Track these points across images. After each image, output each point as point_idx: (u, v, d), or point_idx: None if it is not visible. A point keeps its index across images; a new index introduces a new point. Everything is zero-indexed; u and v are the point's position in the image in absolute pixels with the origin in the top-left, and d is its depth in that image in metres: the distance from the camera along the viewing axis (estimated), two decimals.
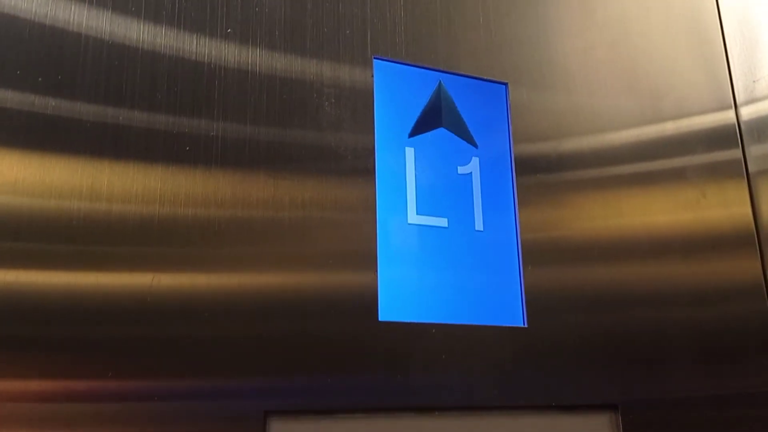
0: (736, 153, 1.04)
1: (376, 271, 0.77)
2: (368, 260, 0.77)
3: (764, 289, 0.99)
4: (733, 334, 0.95)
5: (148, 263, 0.68)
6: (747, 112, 1.07)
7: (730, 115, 1.06)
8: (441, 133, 0.86)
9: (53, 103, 0.69)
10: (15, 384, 0.62)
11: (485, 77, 0.91)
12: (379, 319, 0.76)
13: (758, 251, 1.00)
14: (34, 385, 0.62)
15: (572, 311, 0.86)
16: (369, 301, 0.76)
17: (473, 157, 0.87)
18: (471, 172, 0.87)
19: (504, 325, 0.82)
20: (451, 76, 0.89)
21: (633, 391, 0.87)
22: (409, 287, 0.80)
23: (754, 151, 1.05)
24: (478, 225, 0.85)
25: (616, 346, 0.88)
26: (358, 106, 0.82)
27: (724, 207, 1.01)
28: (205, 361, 0.68)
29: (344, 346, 0.74)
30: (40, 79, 0.69)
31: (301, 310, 0.73)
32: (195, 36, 0.76)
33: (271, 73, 0.78)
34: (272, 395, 0.69)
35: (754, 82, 1.07)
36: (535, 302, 0.84)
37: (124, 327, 0.66)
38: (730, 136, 1.05)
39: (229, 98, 0.76)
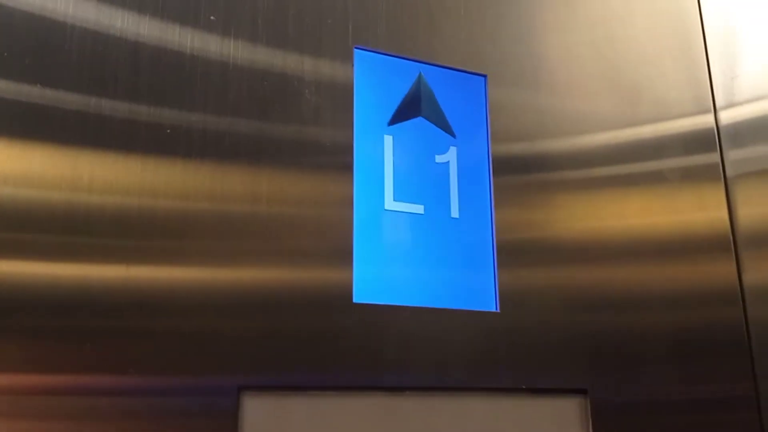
0: (714, 157, 1.06)
1: (352, 254, 0.80)
2: (344, 243, 0.80)
3: (739, 292, 1.00)
4: (706, 334, 0.97)
5: (126, 254, 0.70)
6: (726, 116, 1.08)
7: (709, 119, 1.08)
8: (420, 122, 0.89)
9: (35, 92, 0.70)
10: None
11: (465, 69, 0.93)
12: (354, 300, 0.78)
13: (734, 255, 1.02)
14: (13, 378, 0.64)
15: (544, 298, 0.89)
16: (344, 283, 0.79)
17: (451, 147, 0.90)
18: (448, 161, 0.89)
19: (477, 309, 0.85)
20: (431, 67, 0.91)
21: (602, 377, 0.89)
22: (384, 271, 0.82)
23: (732, 155, 1.06)
24: (454, 212, 0.88)
25: (587, 332, 0.90)
26: (338, 95, 0.84)
27: (701, 210, 1.03)
28: (179, 338, 0.70)
29: (318, 326, 0.76)
30: (22, 67, 0.70)
31: (276, 289, 0.75)
32: (177, 26, 0.78)
33: (251, 64, 0.80)
34: (246, 371, 0.71)
35: (732, 79, 1.09)
36: (508, 288, 0.87)
37: (98, 317, 0.67)
38: (709, 140, 1.06)
39: (211, 89, 0.77)
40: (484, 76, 0.94)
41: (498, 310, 0.86)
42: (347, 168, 0.82)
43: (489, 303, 0.86)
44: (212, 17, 0.80)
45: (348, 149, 0.83)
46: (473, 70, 0.93)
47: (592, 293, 0.92)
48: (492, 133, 0.92)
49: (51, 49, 0.72)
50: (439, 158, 0.89)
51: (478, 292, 0.86)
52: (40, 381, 0.64)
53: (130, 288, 0.69)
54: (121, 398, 0.67)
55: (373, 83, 0.87)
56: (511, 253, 0.89)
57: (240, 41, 0.80)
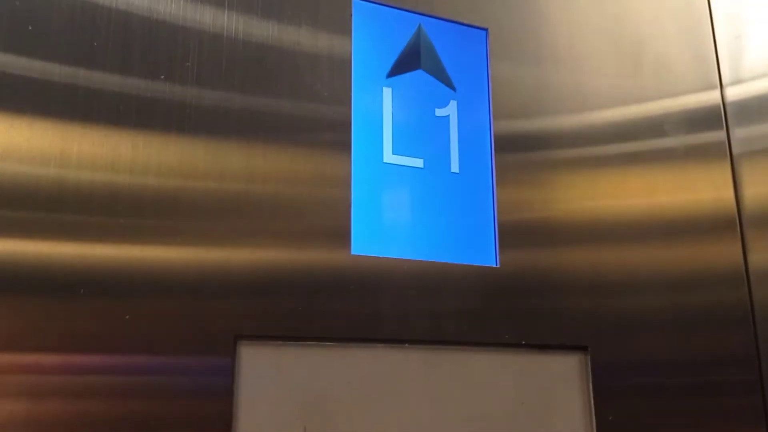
0: (720, 134, 1.04)
1: (350, 206, 0.78)
2: (343, 196, 0.78)
3: (744, 271, 0.99)
4: (711, 312, 0.96)
5: (118, 233, 0.68)
6: (732, 93, 1.05)
7: (715, 95, 1.05)
8: (419, 74, 0.87)
9: (22, 63, 0.68)
10: None
11: (465, 22, 0.91)
12: (352, 252, 0.77)
13: (740, 234, 1.00)
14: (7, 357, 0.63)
15: (544, 254, 0.88)
16: (342, 235, 0.77)
17: (451, 101, 0.88)
18: (448, 115, 0.87)
19: (476, 264, 0.83)
20: (431, 19, 0.89)
21: (603, 334, 0.88)
22: (382, 224, 0.81)
23: (738, 132, 1.04)
24: (454, 167, 0.86)
25: (587, 289, 0.89)
26: (336, 47, 0.83)
27: (706, 189, 1.01)
28: (176, 284, 0.69)
29: (316, 276, 0.75)
30: (8, 38, 0.68)
31: (275, 240, 0.74)
32: None
33: (246, 23, 0.78)
34: (243, 319, 0.70)
35: (736, 38, 1.07)
36: (507, 243, 0.86)
37: (90, 297, 0.66)
38: (715, 117, 1.04)
39: (204, 51, 0.75)
40: (485, 29, 0.92)
41: (498, 265, 0.85)
42: (346, 119, 0.81)
43: (489, 258, 0.85)
44: None
45: (346, 101, 0.81)
46: (474, 24, 0.91)
47: (591, 266, 0.90)
48: (492, 97, 0.90)
49: (38, 20, 0.69)
50: (439, 111, 0.87)
51: (477, 246, 0.85)
52: (29, 360, 0.63)
53: (121, 265, 0.67)
54: (118, 353, 0.65)
55: (372, 35, 0.85)
56: (512, 228, 0.87)
57: (234, 1, 0.78)
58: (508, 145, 0.89)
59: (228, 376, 0.69)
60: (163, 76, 0.73)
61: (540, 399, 0.84)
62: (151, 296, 0.68)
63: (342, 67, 0.82)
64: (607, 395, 0.86)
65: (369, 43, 0.85)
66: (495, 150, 0.88)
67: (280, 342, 0.72)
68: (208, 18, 0.77)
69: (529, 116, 0.92)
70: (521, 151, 0.90)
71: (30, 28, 0.69)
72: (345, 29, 0.83)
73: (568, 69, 0.96)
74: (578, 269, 0.89)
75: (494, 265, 0.85)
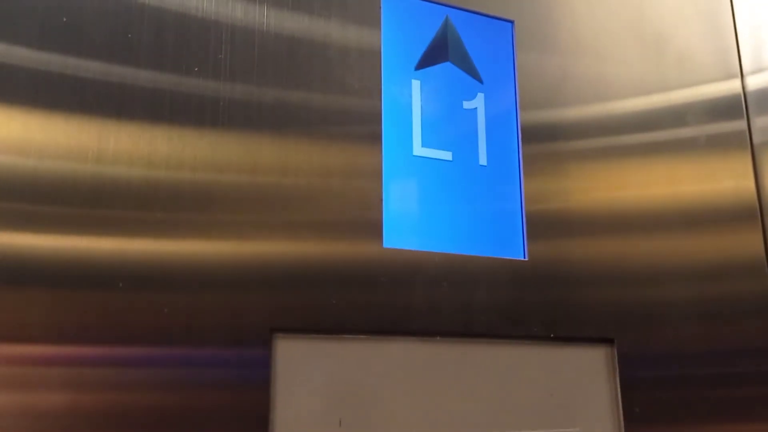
0: (741, 124, 1.04)
1: (382, 199, 0.78)
2: (374, 189, 0.78)
3: (765, 261, 0.99)
4: (733, 300, 0.96)
5: (154, 227, 0.68)
6: (753, 82, 1.05)
7: (736, 84, 1.05)
8: (447, 67, 0.87)
9: (57, 60, 0.67)
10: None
11: (492, 14, 0.91)
12: (384, 245, 0.77)
13: (761, 223, 1.01)
14: (20, 348, 0.62)
15: (570, 245, 0.88)
16: (374, 228, 0.77)
17: (478, 93, 0.88)
18: (476, 108, 0.87)
19: (505, 257, 0.84)
20: (459, 11, 0.89)
21: (629, 326, 0.88)
22: (413, 217, 0.81)
23: (759, 122, 1.03)
24: (482, 160, 0.86)
25: (613, 281, 0.89)
26: (366, 39, 0.82)
27: (727, 179, 1.01)
28: (212, 277, 0.69)
29: (349, 270, 0.75)
30: (43, 36, 0.67)
31: (309, 234, 0.74)
32: None
33: (278, 17, 0.78)
34: (279, 313, 0.71)
35: (757, 28, 1.07)
36: (536, 236, 0.86)
37: (131, 286, 0.66)
38: (736, 107, 1.04)
39: (237, 49, 0.75)
40: (512, 21, 0.92)
41: (526, 258, 0.85)
42: (376, 112, 0.80)
43: (517, 251, 0.85)
44: None
45: (376, 93, 0.81)
46: (500, 16, 0.91)
47: (617, 257, 0.91)
48: (518, 87, 0.90)
49: (72, 17, 0.69)
50: (467, 104, 0.87)
51: (506, 239, 0.85)
52: (69, 352, 0.63)
53: (159, 259, 0.67)
54: (155, 346, 0.66)
55: (400, 28, 0.85)
56: (540, 213, 0.87)
57: None
58: (533, 136, 0.89)
59: (265, 369, 0.69)
60: (196, 70, 0.73)
61: (568, 391, 0.84)
62: (189, 289, 0.68)
63: (372, 60, 0.82)
64: (634, 387, 0.87)
65: (398, 35, 0.85)
66: (521, 141, 0.88)
67: (315, 335, 0.73)
68: (239, 12, 0.76)
69: (554, 106, 0.92)
70: (546, 141, 0.90)
71: (64, 21, 0.68)
72: (374, 21, 0.83)
73: (592, 59, 0.96)
74: (603, 261, 0.90)
75: (522, 258, 0.85)
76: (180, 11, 0.73)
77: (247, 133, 0.74)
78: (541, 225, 0.87)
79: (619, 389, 0.86)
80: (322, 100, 0.78)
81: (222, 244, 0.70)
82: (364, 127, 0.80)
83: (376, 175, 0.79)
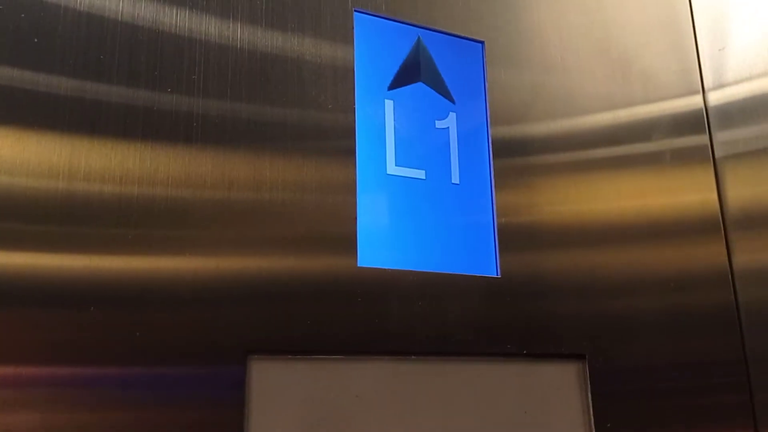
0: (703, 138, 1.07)
1: (356, 218, 0.79)
2: (348, 208, 0.79)
3: (729, 273, 1.02)
4: (698, 313, 0.98)
5: (126, 244, 0.67)
6: (714, 97, 1.08)
7: (697, 99, 1.08)
8: (419, 87, 0.88)
9: (28, 77, 0.66)
10: None
11: (462, 35, 0.92)
12: (358, 264, 0.77)
13: (724, 236, 1.03)
14: (13, 369, 0.61)
15: (543, 262, 0.89)
16: (349, 247, 0.77)
17: (450, 112, 0.89)
18: (448, 127, 0.88)
19: (478, 274, 0.84)
20: (430, 32, 0.90)
21: (600, 342, 0.90)
22: (387, 235, 0.81)
23: (721, 136, 1.06)
24: (455, 178, 0.87)
25: (584, 296, 0.91)
26: (339, 59, 0.83)
27: (691, 192, 1.03)
28: (186, 297, 0.68)
29: (324, 290, 0.75)
30: (15, 51, 0.66)
31: (282, 254, 0.74)
32: (175, 9, 0.75)
33: (252, 35, 0.78)
34: (254, 335, 0.70)
35: (719, 50, 1.10)
36: (508, 253, 0.87)
37: (102, 306, 0.65)
38: (698, 121, 1.07)
39: (209, 65, 0.75)
40: (482, 42, 0.93)
41: (499, 275, 0.86)
42: (349, 133, 0.81)
43: (490, 268, 0.86)
44: None
45: (350, 114, 0.81)
46: (470, 36, 0.93)
47: (585, 270, 0.92)
48: (489, 105, 0.91)
49: (44, 33, 0.68)
50: (439, 124, 0.88)
51: (479, 256, 0.86)
52: (42, 372, 0.62)
53: (131, 277, 0.66)
54: (127, 368, 0.65)
55: (372, 48, 0.86)
56: (510, 230, 0.88)
57: (239, 10, 0.78)
58: (504, 151, 0.90)
59: (240, 391, 0.68)
60: (170, 89, 0.72)
61: (541, 407, 0.85)
62: (162, 308, 0.67)
63: (345, 80, 0.82)
64: (605, 402, 0.88)
65: (370, 55, 0.85)
66: (492, 158, 0.89)
67: (290, 356, 0.72)
68: (213, 29, 0.76)
69: (525, 121, 0.93)
70: (517, 156, 0.91)
71: (36, 40, 0.68)
72: (347, 41, 0.84)
73: (560, 77, 0.98)
74: (574, 274, 0.91)
75: (495, 275, 0.85)
76: (153, 28, 0.73)
77: (222, 150, 0.73)
78: (513, 240, 0.88)
79: (590, 404, 0.87)
80: (297, 118, 0.78)
81: (196, 261, 0.69)
82: (338, 147, 0.80)
83: (350, 195, 0.79)
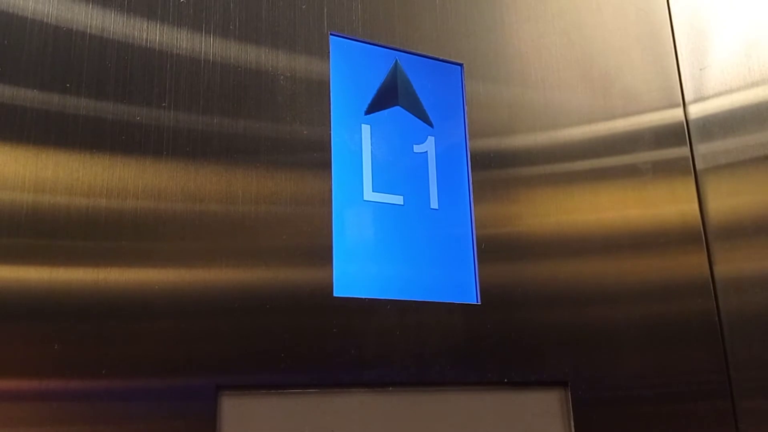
0: (684, 150, 1.07)
1: (331, 246, 0.77)
2: (323, 236, 0.77)
3: (710, 283, 1.01)
4: (680, 326, 0.98)
5: (95, 257, 0.65)
6: (695, 110, 1.08)
7: (678, 112, 1.08)
8: (397, 111, 0.86)
9: None
10: None
11: (441, 57, 0.91)
12: (334, 294, 0.76)
13: (705, 247, 1.03)
14: None
15: (524, 290, 0.87)
16: (324, 277, 0.76)
17: (429, 137, 0.88)
18: (426, 151, 0.87)
19: (458, 302, 0.83)
20: (408, 55, 0.89)
21: (583, 369, 0.88)
22: (364, 263, 0.80)
23: (701, 149, 1.07)
24: (433, 203, 0.86)
25: (567, 324, 0.89)
26: (314, 83, 0.81)
27: (672, 203, 1.03)
28: (154, 338, 0.66)
29: (299, 321, 0.73)
30: None
31: (255, 284, 0.72)
32: (145, 21, 0.74)
33: (224, 53, 0.77)
34: (224, 370, 0.68)
35: (700, 70, 1.10)
36: (488, 280, 0.85)
37: (67, 320, 0.63)
38: (679, 134, 1.07)
39: (181, 83, 0.74)
40: (460, 65, 0.92)
41: (479, 302, 0.84)
42: (325, 158, 0.79)
43: (470, 295, 0.84)
44: (181, 6, 0.76)
45: (326, 138, 0.80)
46: (449, 59, 0.91)
47: (567, 286, 0.91)
48: (468, 125, 0.90)
49: (11, 45, 0.67)
50: (417, 148, 0.86)
51: (458, 283, 0.84)
52: (7, 386, 0.60)
53: (100, 290, 0.65)
54: (94, 401, 0.63)
55: (349, 71, 0.84)
56: (490, 246, 0.87)
57: (212, 28, 0.77)
58: (482, 173, 0.89)
59: (211, 428, 0.66)
60: (139, 101, 0.71)
61: None
62: (131, 325, 0.66)
63: (320, 104, 0.81)
64: (588, 429, 0.86)
65: (347, 79, 0.84)
66: (471, 178, 0.88)
67: (263, 391, 0.70)
68: (184, 41, 0.75)
69: (504, 143, 0.92)
70: (497, 177, 0.90)
71: (4, 54, 0.66)
72: (323, 65, 0.82)
73: (541, 96, 0.97)
74: (555, 295, 0.90)
75: (475, 302, 0.84)
76: (123, 41, 0.72)
77: (192, 163, 0.72)
78: (493, 266, 0.87)
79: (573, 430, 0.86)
80: (271, 149, 0.76)
81: (166, 274, 0.68)
82: (313, 174, 0.78)
83: (326, 221, 0.77)
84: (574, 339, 0.89)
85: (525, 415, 0.84)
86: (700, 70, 1.10)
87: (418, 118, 0.87)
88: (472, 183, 0.88)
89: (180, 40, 0.75)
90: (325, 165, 0.79)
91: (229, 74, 0.76)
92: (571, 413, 0.86)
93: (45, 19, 0.69)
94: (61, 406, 0.62)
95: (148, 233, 0.68)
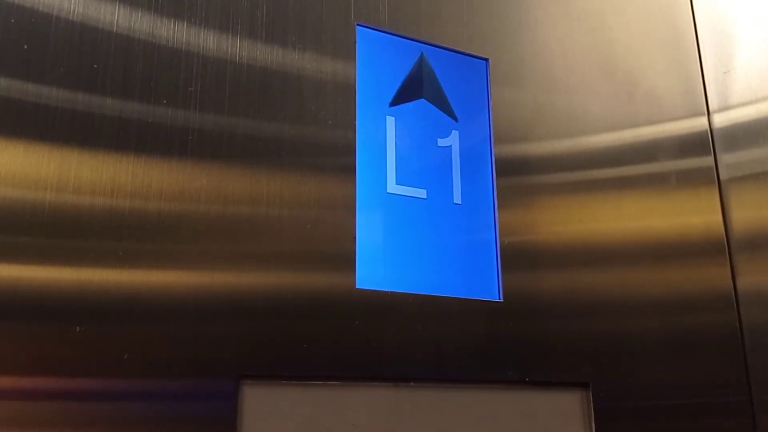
0: (708, 160, 1.05)
1: (355, 238, 0.76)
2: (347, 227, 0.76)
3: (733, 295, 0.99)
4: (702, 336, 0.96)
5: (118, 258, 0.64)
6: (719, 119, 1.07)
7: (702, 121, 1.07)
8: (422, 104, 0.85)
9: (19, 87, 0.64)
10: None
11: (467, 52, 0.90)
12: (356, 286, 0.74)
13: (728, 259, 1.01)
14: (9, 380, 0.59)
15: (547, 290, 0.86)
16: (347, 269, 0.75)
17: (453, 131, 0.87)
18: (451, 145, 0.86)
19: (480, 298, 0.82)
20: (434, 48, 0.88)
21: (605, 370, 0.87)
22: (386, 256, 0.78)
23: (725, 158, 1.05)
24: (457, 198, 0.84)
25: (590, 322, 0.88)
26: (340, 74, 0.81)
27: (695, 214, 1.01)
28: (177, 331, 0.65)
29: (321, 312, 0.72)
30: (6, 61, 0.64)
31: (279, 275, 0.71)
32: (172, 22, 0.73)
33: (251, 47, 0.76)
34: (247, 359, 0.67)
35: (724, 73, 1.09)
36: (511, 276, 0.84)
37: (91, 321, 0.62)
38: (703, 143, 1.05)
39: (207, 76, 0.73)
40: (486, 59, 0.91)
41: (501, 299, 0.83)
42: (349, 149, 0.78)
43: (492, 292, 0.83)
44: (208, 5, 0.75)
45: (350, 130, 0.79)
46: (475, 54, 0.90)
47: (589, 292, 0.90)
48: (492, 121, 0.89)
49: (37, 43, 0.66)
50: (441, 142, 0.85)
51: (481, 280, 0.83)
52: (33, 383, 0.59)
53: (123, 292, 0.64)
54: (118, 391, 0.61)
55: (375, 63, 0.84)
56: (513, 245, 0.86)
57: (239, 24, 0.76)
58: (507, 170, 0.88)
59: (231, 416, 0.65)
60: (165, 101, 0.70)
61: None
62: (152, 325, 0.64)
63: (346, 95, 0.80)
64: (608, 429, 0.85)
65: (373, 71, 0.83)
66: (496, 175, 0.87)
67: (284, 382, 0.69)
68: (211, 43, 0.74)
69: (528, 141, 0.91)
70: (521, 175, 0.89)
71: (26, 47, 0.65)
72: (349, 56, 0.81)
73: (565, 96, 0.96)
74: (577, 298, 0.88)
75: (498, 299, 0.83)
76: (149, 41, 0.71)
77: (217, 164, 0.71)
78: (517, 263, 0.85)
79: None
80: (296, 131, 0.76)
81: (188, 276, 0.67)
82: (337, 165, 0.77)
83: (349, 215, 0.76)
84: (596, 339, 0.88)
85: (546, 415, 0.83)
86: (724, 73, 1.08)
87: (443, 111, 0.86)
88: (496, 189, 0.86)
89: (207, 39, 0.74)
90: (350, 156, 0.78)
91: (255, 70, 0.75)
92: (593, 414, 0.84)
93: (71, 17, 0.68)
94: (84, 391, 0.60)
95: (171, 235, 0.67)
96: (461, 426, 0.77)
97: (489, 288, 0.83)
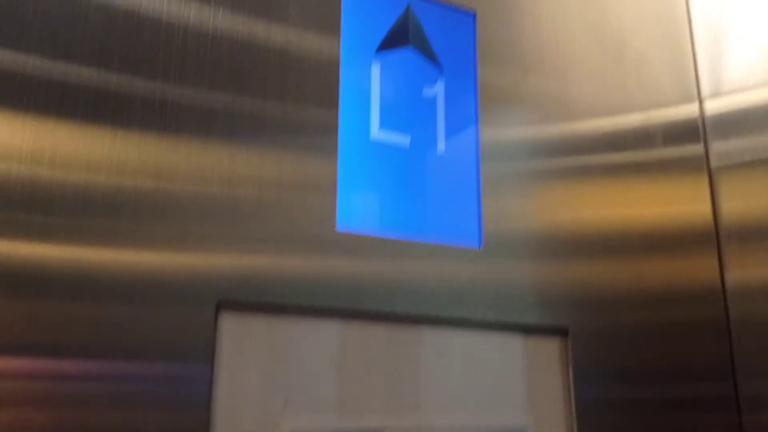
0: (699, 148, 1.04)
1: (336, 182, 0.77)
2: (328, 171, 0.77)
3: (720, 286, 0.99)
4: (688, 328, 0.96)
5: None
6: (711, 106, 1.05)
7: (694, 108, 1.06)
8: (408, 52, 0.87)
9: None
10: None
11: (453, 3, 0.91)
12: (337, 229, 0.76)
13: (717, 250, 1.00)
14: None
15: (527, 237, 0.87)
16: (327, 211, 0.76)
17: (438, 81, 0.88)
18: (435, 95, 0.87)
19: (459, 246, 0.83)
20: (420, 2, 0.89)
21: (584, 317, 0.88)
22: (368, 201, 0.80)
23: (716, 146, 1.03)
24: (440, 147, 0.86)
25: (569, 272, 0.89)
26: (325, 21, 0.82)
27: (684, 203, 1.01)
28: (158, 249, 0.67)
29: (301, 251, 0.74)
30: None
31: (257, 212, 0.72)
32: None
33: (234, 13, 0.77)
34: (225, 287, 0.69)
35: (718, 58, 1.06)
36: (491, 226, 0.85)
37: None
38: (693, 131, 1.05)
39: (188, 44, 0.73)
40: (473, 12, 0.92)
41: (481, 247, 0.84)
42: (333, 91, 0.80)
43: (472, 240, 0.84)
44: None
45: (334, 75, 0.80)
46: (462, 5, 0.91)
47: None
48: (479, 74, 0.90)
49: (9, 9, 0.65)
50: (426, 91, 0.87)
51: (461, 228, 0.84)
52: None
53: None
54: (95, 309, 0.63)
55: (360, 11, 0.85)
56: (495, 189, 0.87)
57: None
58: (492, 125, 0.89)
59: (208, 345, 0.67)
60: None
61: (521, 380, 0.84)
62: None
63: (331, 40, 0.81)
64: (587, 380, 0.86)
65: (358, 18, 0.84)
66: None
67: (262, 313, 0.71)
68: (193, 13, 0.74)
69: (515, 99, 0.92)
70: (505, 127, 0.90)
71: (4, 19, 0.65)
72: (335, 7, 0.83)
73: (554, 57, 0.97)
74: (559, 250, 0.89)
75: (477, 248, 0.84)
76: (129, 9, 0.70)
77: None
78: (498, 214, 0.87)
79: (572, 380, 0.86)
80: (278, 77, 0.77)
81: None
82: (320, 109, 0.78)
83: (331, 159, 0.78)
84: (576, 286, 0.89)
85: (524, 359, 0.85)
86: (718, 58, 1.06)
87: (429, 60, 0.88)
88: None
89: (189, 11, 0.74)
90: (333, 100, 0.79)
91: (237, 43, 0.75)
92: (570, 360, 0.86)
93: None
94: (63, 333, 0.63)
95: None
96: (438, 363, 0.79)
97: (469, 236, 0.84)
